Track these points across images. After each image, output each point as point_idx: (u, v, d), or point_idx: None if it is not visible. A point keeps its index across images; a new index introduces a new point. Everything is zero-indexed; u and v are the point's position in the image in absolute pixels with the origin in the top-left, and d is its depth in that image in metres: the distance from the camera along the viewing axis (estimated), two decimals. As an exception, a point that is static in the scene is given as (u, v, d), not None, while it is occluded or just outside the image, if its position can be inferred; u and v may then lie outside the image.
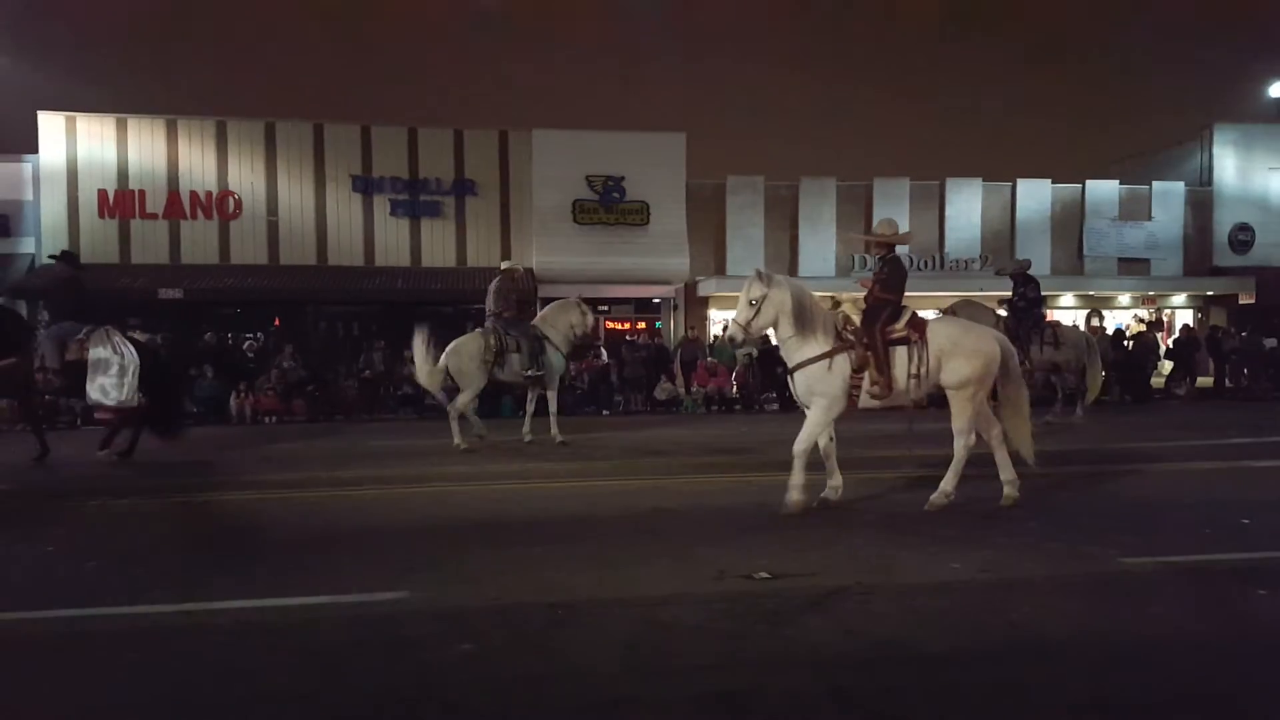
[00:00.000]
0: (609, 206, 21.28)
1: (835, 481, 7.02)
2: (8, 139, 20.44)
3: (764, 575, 5.07)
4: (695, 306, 22.06)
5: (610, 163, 21.25)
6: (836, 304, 7.34)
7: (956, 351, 6.85)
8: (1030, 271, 14.27)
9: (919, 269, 22.47)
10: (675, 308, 22.01)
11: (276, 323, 20.52)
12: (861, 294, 7.22)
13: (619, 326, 22.01)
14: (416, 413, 16.82)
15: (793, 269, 22.20)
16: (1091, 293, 23.82)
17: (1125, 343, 19.50)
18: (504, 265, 12.24)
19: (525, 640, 4.16)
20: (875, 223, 7.59)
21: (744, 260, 22.00)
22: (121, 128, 19.93)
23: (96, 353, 9.89)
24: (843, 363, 6.71)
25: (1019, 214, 23.50)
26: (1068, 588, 4.93)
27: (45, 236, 19.53)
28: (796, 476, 6.69)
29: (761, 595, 4.78)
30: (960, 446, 6.93)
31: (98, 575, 5.40)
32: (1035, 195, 23.62)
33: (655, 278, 21.24)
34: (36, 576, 5.42)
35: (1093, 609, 4.58)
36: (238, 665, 3.90)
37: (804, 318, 6.71)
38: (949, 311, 13.83)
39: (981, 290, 22.52)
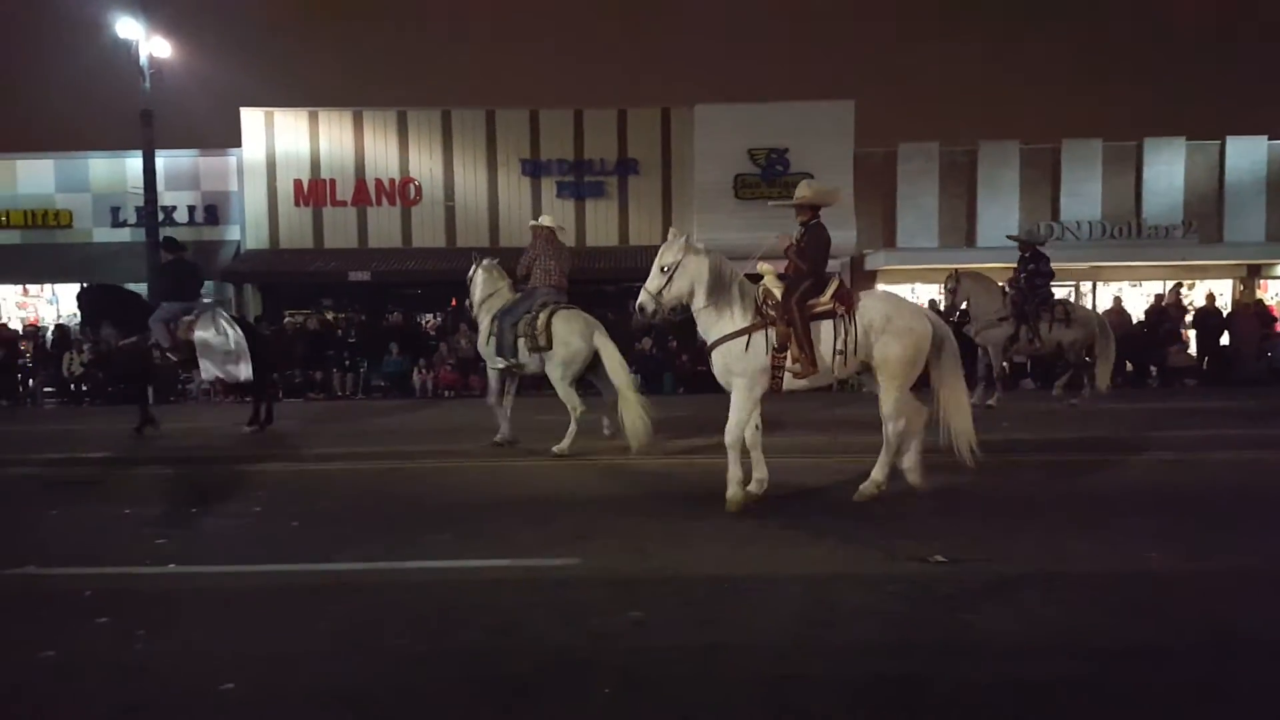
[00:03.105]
0: (771, 180, 20.90)
1: (760, 474, 6.42)
2: (216, 135, 22.50)
3: (939, 559, 4.86)
4: (863, 281, 21.32)
5: (774, 135, 20.84)
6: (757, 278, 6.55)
7: (887, 328, 6.27)
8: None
9: (1113, 237, 20.80)
10: (956, 271, 21.35)
11: (454, 303, 21.58)
12: (771, 268, 6.51)
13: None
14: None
15: (970, 239, 21.08)
16: (1316, 261, 21.24)
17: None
18: (549, 222, 10.01)
19: (692, 611, 4.19)
20: (799, 187, 6.70)
21: (916, 232, 21.11)
22: (313, 120, 21.45)
23: (203, 334, 10.80)
24: (761, 340, 6.17)
25: (1228, 175, 21.22)
26: (1291, 585, 4.43)
27: (248, 225, 21.40)
28: (733, 469, 6.21)
29: (936, 579, 4.58)
30: (891, 432, 6.38)
31: (300, 535, 5.89)
32: (1248, 154, 21.24)
33: (820, 252, 20.73)
34: (248, 535, 5.97)
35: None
36: (423, 621, 4.14)
37: (719, 289, 6.22)
38: (952, 281, 13.33)
39: (1184, 260, 20.63)
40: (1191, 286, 21.06)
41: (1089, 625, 3.92)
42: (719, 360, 6.28)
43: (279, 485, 7.73)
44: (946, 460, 6.50)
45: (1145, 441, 9.13)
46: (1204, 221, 20.83)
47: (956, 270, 13.71)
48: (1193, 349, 18.17)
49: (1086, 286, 21.76)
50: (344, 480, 7.97)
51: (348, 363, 18.51)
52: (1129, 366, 17.09)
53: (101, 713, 3.27)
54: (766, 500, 6.39)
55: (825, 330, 6.27)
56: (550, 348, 9.11)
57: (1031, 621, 3.97)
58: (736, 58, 44.84)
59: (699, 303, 6.25)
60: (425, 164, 21.49)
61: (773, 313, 6.21)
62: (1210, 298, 18.63)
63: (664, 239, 6.42)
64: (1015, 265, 13.32)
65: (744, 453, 6.37)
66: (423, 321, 20.99)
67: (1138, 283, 21.30)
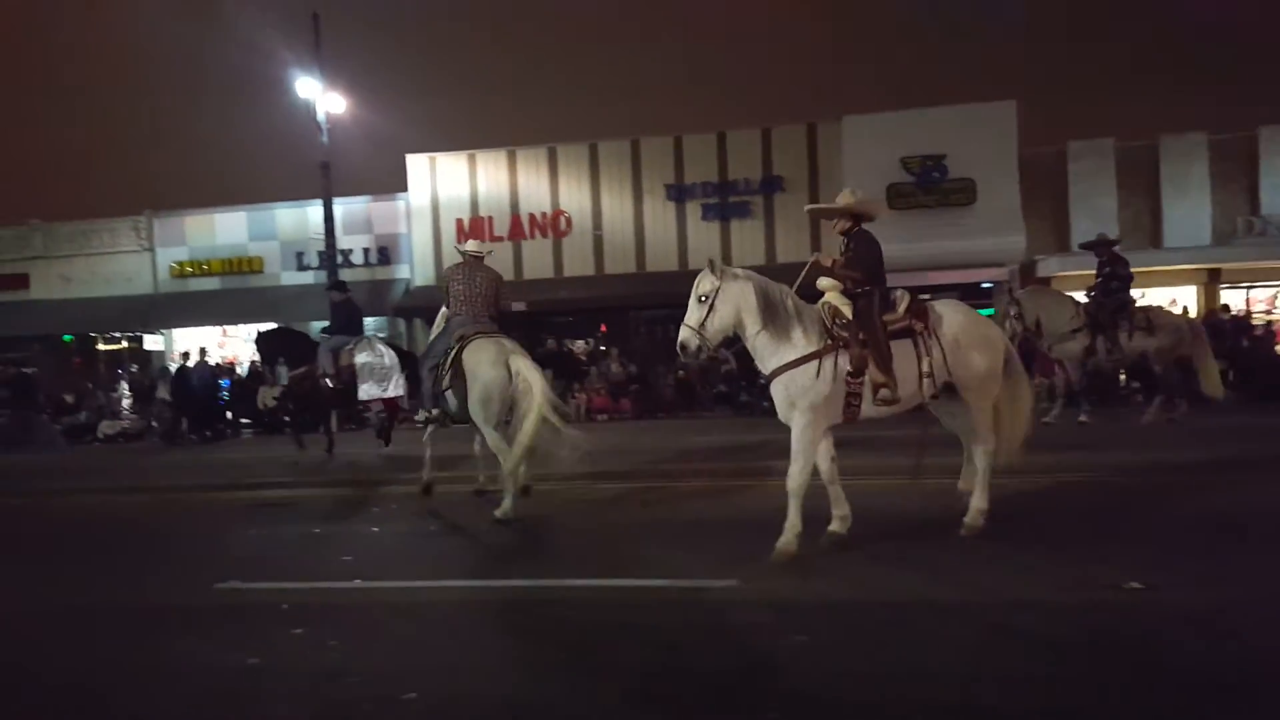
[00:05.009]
0: (928, 188, 20.17)
1: (842, 511, 5.75)
2: (384, 181, 24.04)
3: (1135, 585, 4.49)
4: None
5: (928, 141, 20.10)
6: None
7: (970, 342, 5.76)
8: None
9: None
10: (1010, 291, 20.33)
11: (603, 329, 22.05)
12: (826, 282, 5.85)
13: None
14: (732, 410, 17.24)
15: (1155, 239, 19.49)
16: None
17: None
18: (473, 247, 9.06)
19: (861, 636, 4.05)
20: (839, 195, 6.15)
21: (1092, 234, 19.68)
22: (471, 162, 22.58)
23: (362, 358, 11.69)
24: (832, 366, 5.46)
25: None
26: None
27: (416, 264, 22.72)
28: (793, 517, 5.45)
29: (1131, 607, 4.24)
30: (984, 454, 5.87)
31: (470, 552, 6.15)
32: None
33: (985, 260, 19.65)
34: (424, 552, 6.28)
35: None
36: (588, 638, 4.22)
37: (773, 313, 5.49)
38: (1014, 306, 12.47)
39: None
40: None
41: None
42: (780, 391, 5.57)
43: (449, 505, 8.10)
44: (1126, 482, 6.04)
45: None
46: None
47: (1010, 292, 12.99)
48: None
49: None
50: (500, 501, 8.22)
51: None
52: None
53: (302, 716, 3.51)
54: (937, 523, 6.10)
55: (904, 350, 5.65)
56: (465, 384, 7.55)
57: (1247, 653, 3.60)
58: (883, 66, 43.72)
59: (752, 329, 5.55)
60: (574, 196, 22.15)
61: (844, 334, 5.58)
62: None
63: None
64: (1094, 271, 12.42)
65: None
66: (573, 347, 21.53)
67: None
